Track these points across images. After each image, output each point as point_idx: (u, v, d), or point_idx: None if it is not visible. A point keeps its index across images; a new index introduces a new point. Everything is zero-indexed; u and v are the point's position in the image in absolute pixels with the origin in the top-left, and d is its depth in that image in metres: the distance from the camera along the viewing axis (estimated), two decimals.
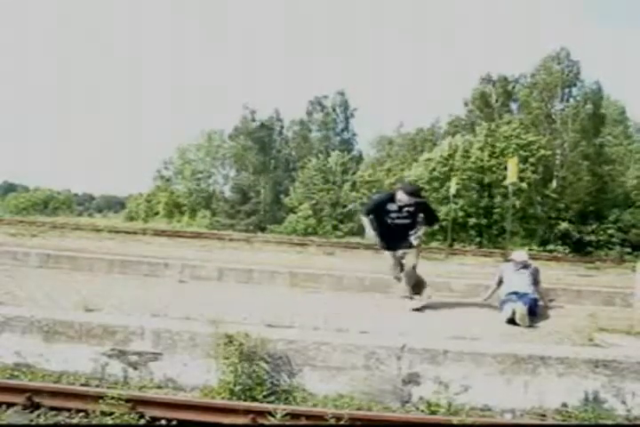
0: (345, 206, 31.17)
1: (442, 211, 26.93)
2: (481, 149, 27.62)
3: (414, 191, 5.84)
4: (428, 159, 29.08)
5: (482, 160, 27.30)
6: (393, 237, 5.80)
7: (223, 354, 3.86)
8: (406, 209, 5.72)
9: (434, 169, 28.00)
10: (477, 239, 26.16)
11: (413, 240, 5.74)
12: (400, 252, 5.81)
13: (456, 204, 25.22)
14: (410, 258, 5.73)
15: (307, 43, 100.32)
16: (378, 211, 5.84)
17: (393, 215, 5.76)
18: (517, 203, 24.81)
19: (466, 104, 35.87)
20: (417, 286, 5.88)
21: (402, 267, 5.84)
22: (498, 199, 26.64)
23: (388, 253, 5.95)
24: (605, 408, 3.86)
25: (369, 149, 44.67)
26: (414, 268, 5.74)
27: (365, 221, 5.94)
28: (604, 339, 4.61)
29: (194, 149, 44.39)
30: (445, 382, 3.93)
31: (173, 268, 7.25)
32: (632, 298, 6.36)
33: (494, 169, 26.85)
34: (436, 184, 27.76)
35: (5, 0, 72.79)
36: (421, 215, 5.85)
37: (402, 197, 5.70)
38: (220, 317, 4.18)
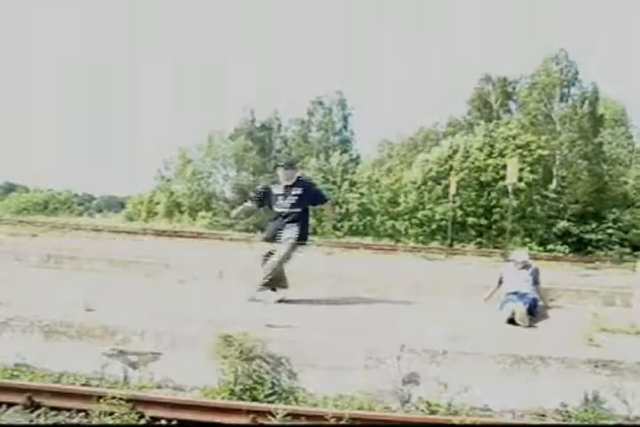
0: (341, 207, 31.22)
1: (438, 210, 27.03)
2: (479, 149, 27.65)
3: (291, 162, 5.70)
4: (426, 160, 29.12)
5: (480, 160, 27.30)
6: (276, 228, 5.48)
7: (223, 354, 3.87)
8: (294, 193, 5.47)
9: (430, 170, 28.03)
10: (477, 239, 26.17)
11: (285, 235, 5.40)
12: (275, 244, 5.45)
13: (455, 202, 25.21)
14: (280, 250, 5.40)
15: (307, 43, 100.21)
16: (265, 198, 5.62)
17: (280, 202, 5.50)
18: (514, 203, 24.82)
19: (467, 104, 35.96)
20: (277, 280, 5.56)
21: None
22: (494, 195, 26.62)
23: (263, 245, 5.59)
24: (605, 408, 3.85)
25: (371, 152, 44.71)
26: (281, 261, 5.41)
27: (240, 207, 5.95)
28: (604, 339, 4.61)
29: (194, 149, 44.40)
30: (445, 382, 3.93)
31: (173, 268, 7.24)
32: (632, 298, 6.37)
33: (490, 169, 26.84)
34: (430, 184, 27.82)
35: (5, 0, 72.72)
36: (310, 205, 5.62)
37: (281, 173, 5.54)
38: (219, 317, 4.18)
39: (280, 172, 5.59)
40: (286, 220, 5.48)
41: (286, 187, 5.53)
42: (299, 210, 5.50)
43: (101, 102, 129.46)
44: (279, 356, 4.05)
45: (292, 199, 5.49)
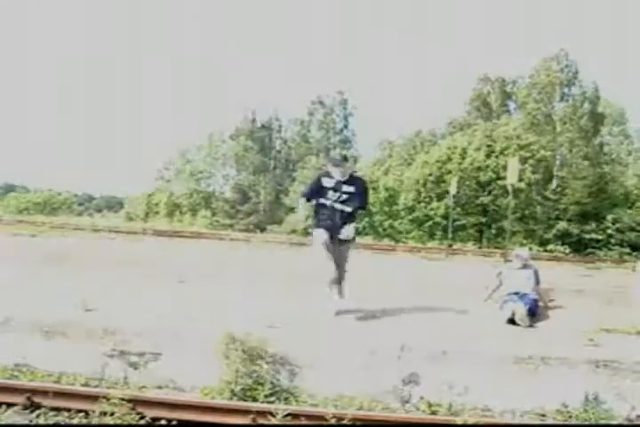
0: None
1: (437, 209, 27.06)
2: (477, 149, 27.60)
3: (342, 159, 5.35)
4: (425, 160, 29.09)
5: (479, 160, 27.25)
6: (332, 224, 5.10)
7: (224, 354, 3.87)
8: (345, 190, 5.18)
9: (430, 174, 27.97)
10: (477, 239, 26.16)
11: (346, 232, 5.10)
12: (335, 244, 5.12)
13: (454, 202, 25.19)
14: (344, 253, 5.21)
15: (307, 43, 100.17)
16: (316, 191, 5.23)
17: (331, 196, 5.15)
18: (513, 203, 24.84)
19: (466, 104, 36.02)
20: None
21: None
22: (494, 195, 26.59)
23: (321, 242, 5.08)
24: (605, 408, 3.85)
25: (371, 152, 44.76)
26: (347, 260, 5.27)
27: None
28: (605, 339, 4.61)
29: (194, 149, 44.42)
30: (445, 383, 3.93)
31: (173, 268, 7.24)
32: (632, 298, 6.37)
33: (490, 169, 26.80)
34: (430, 185, 27.81)
35: (6, 1, 72.66)
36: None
37: (333, 169, 5.23)
38: (219, 317, 4.18)
39: (333, 168, 5.25)
40: (337, 217, 5.14)
41: (338, 182, 5.21)
42: (349, 209, 5.20)
43: (101, 102, 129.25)
44: (280, 356, 4.05)
45: (342, 196, 5.18)
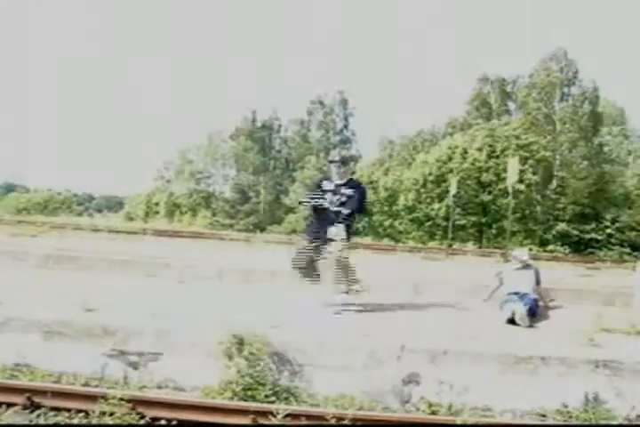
0: None
1: (437, 209, 27.05)
2: (479, 149, 27.60)
3: (345, 159, 5.49)
4: (425, 160, 29.07)
5: (480, 160, 27.25)
6: (324, 226, 5.22)
7: (225, 354, 3.87)
8: (344, 192, 5.25)
9: (430, 173, 27.97)
10: (477, 239, 26.16)
11: (333, 231, 5.15)
12: (320, 243, 5.26)
13: (454, 202, 25.20)
14: (334, 249, 5.20)
15: (307, 43, 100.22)
16: (316, 196, 5.34)
17: (329, 198, 5.26)
18: (513, 203, 24.81)
19: (466, 104, 36.02)
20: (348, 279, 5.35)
21: (313, 261, 5.37)
22: (494, 195, 26.57)
23: (304, 242, 5.38)
24: (605, 408, 3.85)
25: (372, 151, 44.77)
26: (341, 258, 5.20)
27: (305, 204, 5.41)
28: (605, 339, 4.61)
29: (194, 149, 44.43)
30: (446, 383, 3.93)
31: (173, 268, 7.24)
32: (632, 298, 6.38)
33: (491, 170, 26.79)
34: (430, 185, 27.80)
35: (6, 1, 72.65)
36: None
37: (333, 171, 5.34)
38: (220, 317, 4.18)
39: (333, 169, 5.40)
40: (333, 219, 5.22)
41: (337, 185, 5.34)
42: (347, 211, 5.24)
43: (101, 102, 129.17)
44: (282, 356, 4.05)
45: (341, 198, 5.27)
